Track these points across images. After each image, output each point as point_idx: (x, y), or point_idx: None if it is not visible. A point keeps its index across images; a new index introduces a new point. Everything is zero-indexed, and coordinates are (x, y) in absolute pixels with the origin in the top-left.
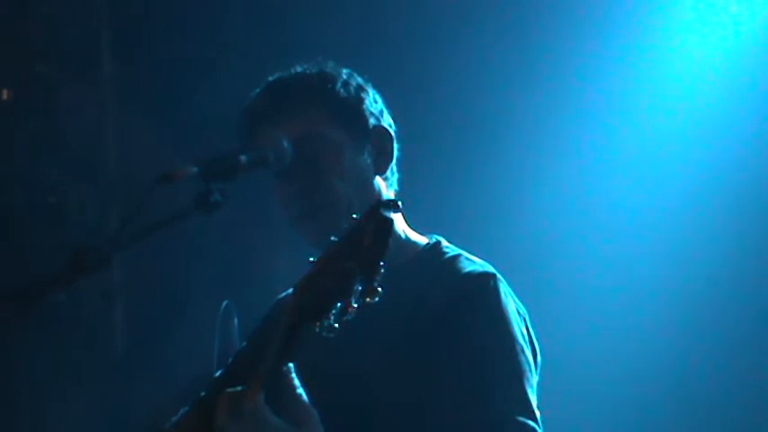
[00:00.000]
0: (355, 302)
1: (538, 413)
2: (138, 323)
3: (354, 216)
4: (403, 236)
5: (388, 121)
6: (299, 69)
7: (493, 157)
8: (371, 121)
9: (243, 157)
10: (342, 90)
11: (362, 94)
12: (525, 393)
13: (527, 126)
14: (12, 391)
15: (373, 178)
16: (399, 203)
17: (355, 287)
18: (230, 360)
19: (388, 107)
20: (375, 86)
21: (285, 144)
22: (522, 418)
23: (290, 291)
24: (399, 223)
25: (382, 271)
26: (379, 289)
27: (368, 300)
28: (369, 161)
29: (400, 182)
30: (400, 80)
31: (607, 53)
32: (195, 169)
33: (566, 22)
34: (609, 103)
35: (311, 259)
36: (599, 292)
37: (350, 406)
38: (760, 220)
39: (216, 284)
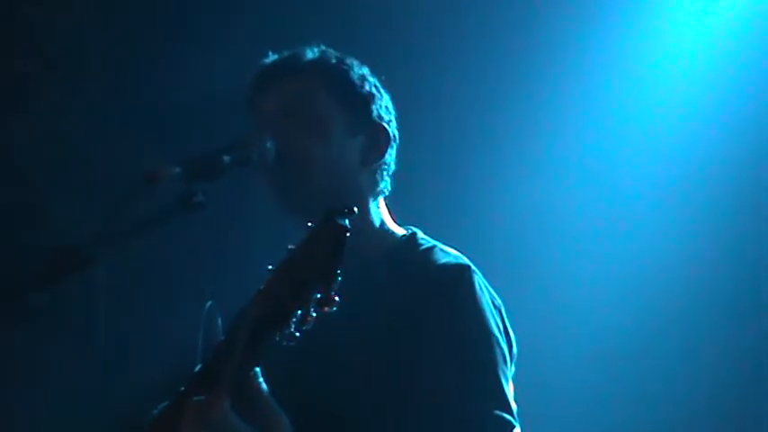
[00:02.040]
0: (314, 312)
1: (514, 405)
2: (121, 321)
3: (309, 224)
4: (380, 226)
5: (393, 129)
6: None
7: (472, 151)
8: (374, 115)
9: (226, 158)
10: (353, 75)
11: (373, 90)
12: (501, 386)
13: (508, 119)
14: None
15: (358, 169)
16: (355, 209)
17: (313, 296)
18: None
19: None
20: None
21: (268, 144)
22: (498, 412)
23: None
24: (382, 210)
25: (339, 279)
26: (337, 298)
27: (326, 309)
28: (357, 148)
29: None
30: (383, 75)
31: (593, 49)
32: (178, 169)
33: (549, 19)
34: (592, 99)
35: (269, 267)
36: (577, 283)
37: (323, 404)
38: (744, 215)
39: (200, 284)
